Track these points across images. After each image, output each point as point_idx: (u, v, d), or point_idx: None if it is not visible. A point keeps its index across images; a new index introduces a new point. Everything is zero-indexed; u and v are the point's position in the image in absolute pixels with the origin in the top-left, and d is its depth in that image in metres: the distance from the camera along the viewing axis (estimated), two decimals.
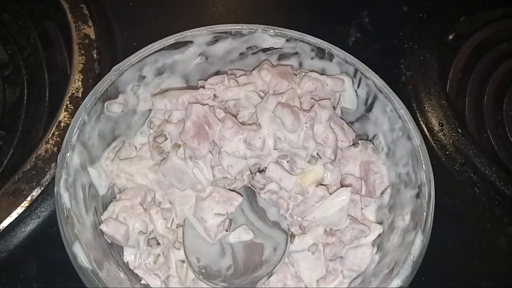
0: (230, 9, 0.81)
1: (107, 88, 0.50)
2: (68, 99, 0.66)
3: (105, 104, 0.50)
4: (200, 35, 0.54)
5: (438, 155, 0.70)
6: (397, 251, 0.45)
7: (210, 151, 0.52)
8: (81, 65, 0.70)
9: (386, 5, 0.84)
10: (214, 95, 0.53)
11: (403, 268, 0.41)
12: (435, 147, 0.70)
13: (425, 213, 0.44)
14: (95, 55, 0.71)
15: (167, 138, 0.52)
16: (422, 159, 0.47)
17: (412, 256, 0.42)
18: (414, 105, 0.73)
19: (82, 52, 0.71)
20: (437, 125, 0.71)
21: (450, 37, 0.83)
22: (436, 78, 0.76)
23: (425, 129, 0.71)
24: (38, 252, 0.58)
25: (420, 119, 0.72)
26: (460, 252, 0.64)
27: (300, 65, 0.58)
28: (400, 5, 0.84)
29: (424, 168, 0.47)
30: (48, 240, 0.58)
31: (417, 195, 0.47)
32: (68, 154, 0.45)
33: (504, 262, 0.64)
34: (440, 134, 0.71)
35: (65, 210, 0.42)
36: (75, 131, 0.46)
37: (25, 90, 0.71)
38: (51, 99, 0.71)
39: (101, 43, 0.72)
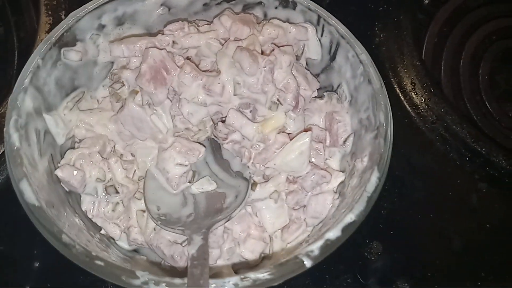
0: None
1: (63, 34, 0.49)
2: None
3: (62, 50, 0.49)
4: None
5: (409, 113, 0.70)
6: (355, 191, 0.44)
7: (169, 99, 0.51)
8: (48, 25, 0.69)
9: None
10: (173, 42, 0.52)
11: (357, 203, 0.40)
12: (407, 106, 0.70)
13: (382, 150, 0.43)
14: (63, 16, 0.70)
15: (124, 85, 0.51)
16: (381, 100, 0.46)
17: (367, 192, 0.41)
18: (386, 65, 0.73)
19: (49, 13, 0.70)
20: (409, 85, 0.71)
21: (426, 1, 0.82)
22: (410, 39, 0.75)
23: (397, 88, 0.71)
24: (0, 210, 0.57)
25: (392, 79, 0.72)
26: (431, 208, 0.64)
27: (265, 15, 0.57)
28: None
29: (383, 109, 0.46)
30: (10, 198, 0.56)
31: (376, 136, 0.46)
32: (19, 96, 0.44)
33: (475, 217, 0.64)
34: (412, 93, 0.71)
35: (13, 149, 0.41)
36: (27, 73, 0.45)
37: None
38: (20, 63, 0.70)
39: (69, 4, 0.71)
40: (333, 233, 0.39)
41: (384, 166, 0.43)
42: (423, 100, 0.70)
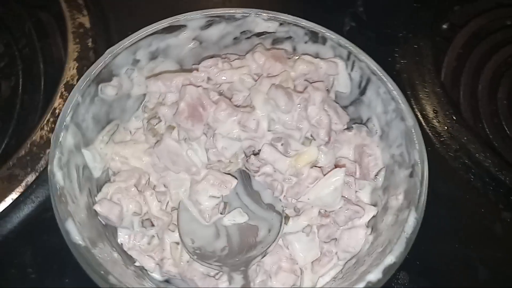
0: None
1: (101, 71, 0.50)
2: (63, 86, 0.66)
3: (99, 86, 0.50)
4: (193, 19, 0.54)
5: (432, 141, 0.70)
6: (390, 230, 0.45)
7: (204, 134, 0.52)
8: (76, 53, 0.70)
9: None
10: (208, 78, 0.53)
11: (396, 245, 0.41)
12: (429, 133, 0.71)
13: (418, 191, 0.44)
14: (89, 44, 0.71)
15: (161, 120, 0.52)
16: (415, 138, 0.47)
17: (405, 233, 0.42)
18: (408, 92, 0.73)
19: (77, 41, 0.71)
20: (432, 112, 0.72)
21: (444, 26, 0.83)
22: (431, 66, 0.76)
23: (419, 116, 0.72)
24: (32, 238, 0.57)
25: (414, 106, 0.72)
26: (455, 237, 0.64)
27: (294, 49, 0.58)
28: None
29: (417, 147, 0.47)
30: (43, 226, 0.58)
31: (411, 175, 0.47)
32: (62, 133, 0.45)
33: (499, 247, 0.64)
34: (434, 121, 0.71)
35: (58, 188, 0.42)
36: (69, 111, 0.46)
37: (20, 80, 0.71)
38: (47, 89, 0.71)
39: (96, 32, 0.72)
40: (375, 275, 0.40)
41: (422, 207, 0.43)
42: (446, 128, 0.70)
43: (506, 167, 0.67)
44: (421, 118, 0.72)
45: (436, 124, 0.71)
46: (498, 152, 0.70)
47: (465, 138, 0.69)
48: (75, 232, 0.40)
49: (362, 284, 0.39)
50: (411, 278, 0.60)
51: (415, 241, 0.62)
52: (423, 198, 0.44)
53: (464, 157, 0.68)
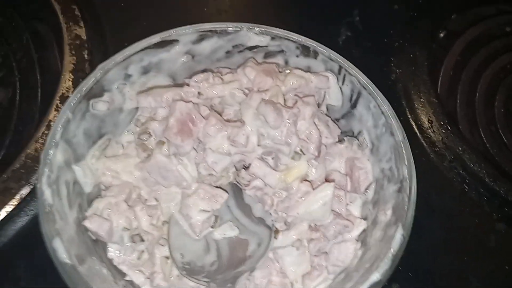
0: (221, 9, 0.82)
1: (92, 87, 0.50)
2: (58, 98, 0.66)
3: (90, 102, 0.51)
4: (185, 34, 0.55)
5: (427, 152, 0.70)
6: (378, 245, 0.45)
7: (194, 148, 0.52)
8: (72, 65, 0.70)
9: (377, 3, 0.85)
10: (199, 93, 0.53)
11: (382, 262, 0.41)
12: (424, 144, 0.71)
13: (406, 207, 0.44)
14: (86, 56, 0.72)
15: (151, 135, 0.52)
16: (404, 154, 0.47)
17: (392, 250, 0.42)
18: (403, 102, 0.74)
19: (73, 52, 0.72)
20: (427, 122, 0.72)
21: (441, 34, 0.83)
22: (426, 76, 0.76)
23: (414, 126, 0.72)
24: (26, 250, 0.58)
25: (409, 116, 0.73)
26: (449, 249, 0.64)
27: (286, 63, 0.59)
28: (391, 3, 0.84)
29: (406, 163, 0.47)
30: (37, 239, 0.57)
31: (399, 190, 0.47)
32: (51, 151, 0.46)
33: (493, 258, 0.64)
34: (429, 131, 0.71)
35: (46, 206, 0.43)
36: (58, 128, 0.47)
37: (18, 91, 0.72)
38: (43, 100, 0.71)
39: (92, 44, 0.73)
40: None
41: (409, 224, 0.43)
42: (441, 138, 0.70)
43: (500, 177, 0.67)
44: (415, 128, 0.72)
45: (431, 134, 0.71)
46: (493, 162, 0.70)
47: (460, 149, 0.69)
48: (62, 250, 0.41)
49: None
50: None
51: (408, 253, 0.62)
52: (411, 214, 0.44)
53: (458, 168, 0.68)
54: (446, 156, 0.69)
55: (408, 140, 0.51)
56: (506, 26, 0.84)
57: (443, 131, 0.71)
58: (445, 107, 0.73)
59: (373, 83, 0.53)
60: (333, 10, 0.84)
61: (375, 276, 0.40)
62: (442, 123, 0.71)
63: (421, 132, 0.71)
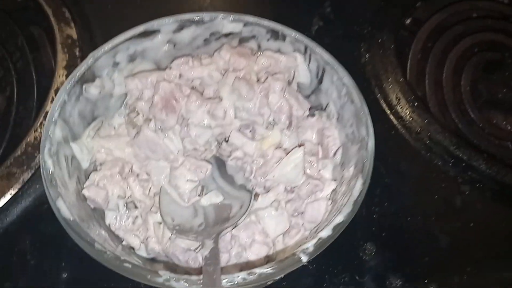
0: (202, 7, 0.88)
1: (84, 72, 0.56)
2: (53, 92, 0.72)
3: (83, 86, 0.57)
4: (166, 24, 0.61)
5: (395, 125, 0.76)
6: (343, 197, 0.51)
7: (179, 124, 0.58)
8: (65, 62, 0.76)
9: None
10: (180, 75, 0.59)
11: (345, 207, 0.47)
12: (393, 119, 0.77)
13: (365, 160, 0.50)
14: (77, 53, 0.78)
15: (139, 114, 0.58)
16: (362, 116, 0.53)
17: (353, 196, 0.48)
18: (372, 82, 0.80)
19: (65, 50, 0.78)
20: (395, 99, 0.78)
21: (408, 21, 0.89)
22: (393, 57, 0.82)
23: (383, 103, 0.78)
24: (30, 227, 0.64)
25: (378, 95, 0.79)
26: (419, 211, 0.69)
27: (259, 46, 0.65)
28: None
29: (364, 125, 0.53)
30: (40, 217, 0.64)
31: (360, 148, 0.53)
32: (51, 128, 0.51)
33: (459, 217, 0.69)
34: (397, 107, 0.77)
35: (49, 172, 0.48)
36: (56, 108, 0.52)
37: (15, 90, 0.77)
38: (39, 96, 0.77)
39: (83, 42, 0.79)
40: (325, 232, 0.45)
41: (367, 173, 0.49)
42: (408, 113, 0.76)
43: (463, 144, 0.73)
44: (384, 106, 0.78)
45: (399, 110, 0.77)
46: (459, 132, 0.76)
47: (426, 121, 0.75)
48: (64, 209, 0.46)
49: (315, 240, 0.45)
50: (378, 248, 0.65)
51: (381, 215, 0.68)
52: (368, 165, 0.50)
53: (425, 138, 0.74)
54: (413, 129, 0.75)
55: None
56: (473, 12, 0.89)
57: (410, 106, 0.77)
58: (415, 88, 0.79)
59: (344, 67, 0.58)
60: (306, 2, 0.90)
61: (339, 218, 0.46)
62: (409, 99, 0.77)
63: (390, 108, 0.78)
